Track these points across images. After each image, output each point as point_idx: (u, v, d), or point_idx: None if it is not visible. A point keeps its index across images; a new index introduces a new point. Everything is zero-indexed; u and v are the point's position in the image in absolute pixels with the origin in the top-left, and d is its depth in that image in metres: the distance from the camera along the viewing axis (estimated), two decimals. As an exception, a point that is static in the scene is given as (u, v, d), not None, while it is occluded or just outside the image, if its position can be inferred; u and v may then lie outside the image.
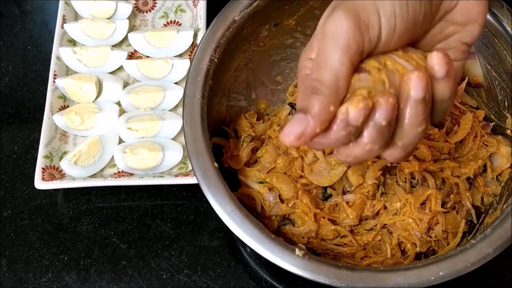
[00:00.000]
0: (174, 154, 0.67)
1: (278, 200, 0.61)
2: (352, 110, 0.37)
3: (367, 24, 0.37)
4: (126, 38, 0.77)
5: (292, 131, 0.37)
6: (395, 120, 0.38)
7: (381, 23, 0.37)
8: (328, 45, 0.37)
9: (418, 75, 0.37)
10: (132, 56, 0.76)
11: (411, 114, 0.38)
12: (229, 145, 0.64)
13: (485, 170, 0.64)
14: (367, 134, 0.38)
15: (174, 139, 0.70)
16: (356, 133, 0.38)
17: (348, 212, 0.60)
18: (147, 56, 0.76)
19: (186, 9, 0.80)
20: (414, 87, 0.37)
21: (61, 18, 0.76)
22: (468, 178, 0.63)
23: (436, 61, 0.38)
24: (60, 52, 0.73)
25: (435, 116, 0.41)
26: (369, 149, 0.39)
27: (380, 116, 0.37)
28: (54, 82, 0.71)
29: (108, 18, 0.77)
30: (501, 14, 0.59)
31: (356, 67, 0.38)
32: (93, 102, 0.72)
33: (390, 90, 0.38)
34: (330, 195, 0.62)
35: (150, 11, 0.81)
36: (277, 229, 0.61)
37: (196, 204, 0.68)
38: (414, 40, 0.41)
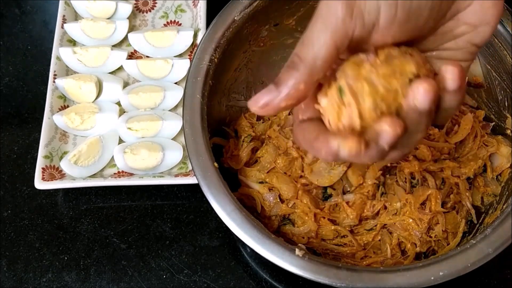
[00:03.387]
0: (174, 154, 0.67)
1: (278, 200, 0.61)
2: (345, 152, 0.37)
3: (361, 9, 0.36)
4: (126, 38, 0.77)
5: (259, 99, 0.38)
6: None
7: (380, 9, 0.36)
8: (317, 24, 0.36)
9: (427, 87, 0.36)
10: (132, 56, 0.76)
11: (413, 123, 0.38)
12: (229, 145, 0.64)
13: (485, 170, 0.64)
14: (366, 155, 0.38)
15: (174, 139, 0.70)
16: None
17: (348, 212, 0.60)
18: (147, 56, 0.76)
19: (186, 9, 0.80)
20: (422, 100, 0.36)
21: (61, 18, 0.76)
22: (468, 178, 0.63)
23: (450, 75, 0.37)
24: (60, 52, 0.73)
25: (437, 120, 0.40)
26: (369, 160, 0.39)
27: (384, 142, 0.37)
28: (54, 82, 0.71)
29: (108, 18, 0.77)
30: (501, 14, 0.59)
31: (342, 52, 0.37)
32: (93, 102, 0.72)
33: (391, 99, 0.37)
34: (330, 195, 0.62)
35: (150, 11, 0.81)
36: (277, 229, 0.61)
37: (196, 204, 0.68)
38: (420, 35, 0.40)
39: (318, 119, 0.41)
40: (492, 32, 0.40)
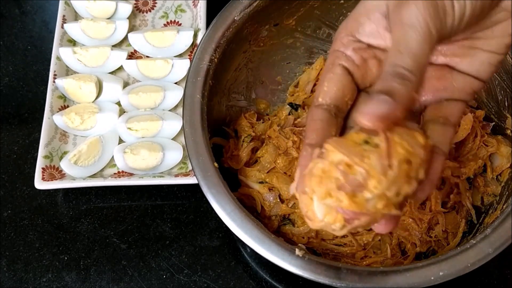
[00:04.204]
0: (174, 154, 0.67)
1: (278, 200, 0.61)
2: None
3: (445, 10, 0.36)
4: (126, 38, 0.77)
5: (376, 111, 0.35)
6: None
7: (455, 9, 0.37)
8: (409, 34, 0.36)
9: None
10: (132, 56, 0.76)
11: None
12: (229, 145, 0.64)
13: (485, 170, 0.64)
14: None
15: (174, 139, 0.70)
16: None
17: (348, 212, 0.60)
18: (147, 56, 0.76)
19: (186, 9, 0.80)
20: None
21: (61, 18, 0.76)
22: (468, 178, 0.63)
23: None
24: (60, 52, 0.73)
25: None
26: None
27: None
28: (54, 82, 0.71)
29: (108, 18, 0.77)
30: (501, 14, 0.59)
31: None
32: (93, 102, 0.72)
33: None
34: (330, 195, 0.62)
35: (150, 11, 0.81)
36: (277, 229, 0.61)
37: (196, 204, 0.68)
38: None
39: (330, 111, 0.41)
40: None
